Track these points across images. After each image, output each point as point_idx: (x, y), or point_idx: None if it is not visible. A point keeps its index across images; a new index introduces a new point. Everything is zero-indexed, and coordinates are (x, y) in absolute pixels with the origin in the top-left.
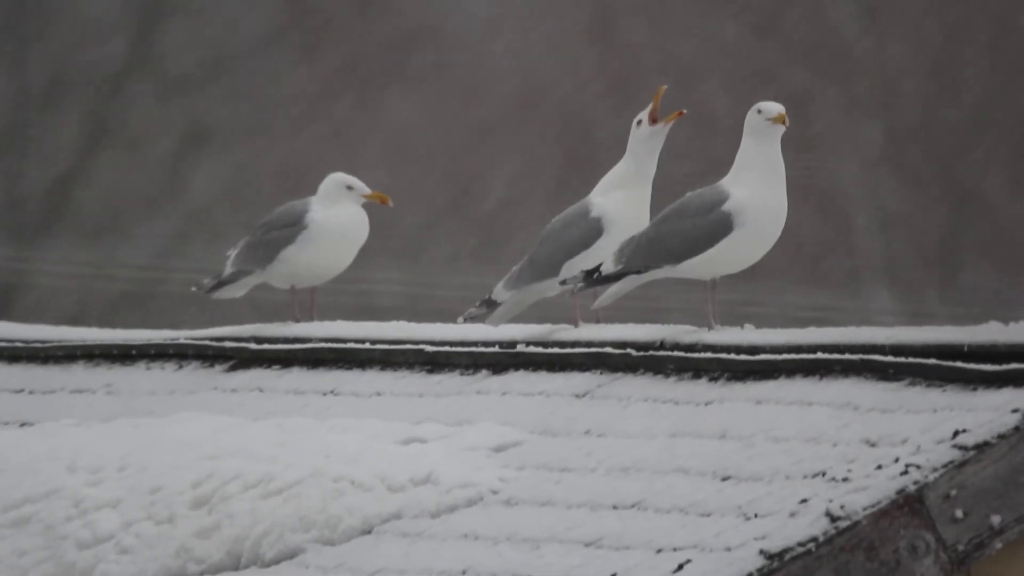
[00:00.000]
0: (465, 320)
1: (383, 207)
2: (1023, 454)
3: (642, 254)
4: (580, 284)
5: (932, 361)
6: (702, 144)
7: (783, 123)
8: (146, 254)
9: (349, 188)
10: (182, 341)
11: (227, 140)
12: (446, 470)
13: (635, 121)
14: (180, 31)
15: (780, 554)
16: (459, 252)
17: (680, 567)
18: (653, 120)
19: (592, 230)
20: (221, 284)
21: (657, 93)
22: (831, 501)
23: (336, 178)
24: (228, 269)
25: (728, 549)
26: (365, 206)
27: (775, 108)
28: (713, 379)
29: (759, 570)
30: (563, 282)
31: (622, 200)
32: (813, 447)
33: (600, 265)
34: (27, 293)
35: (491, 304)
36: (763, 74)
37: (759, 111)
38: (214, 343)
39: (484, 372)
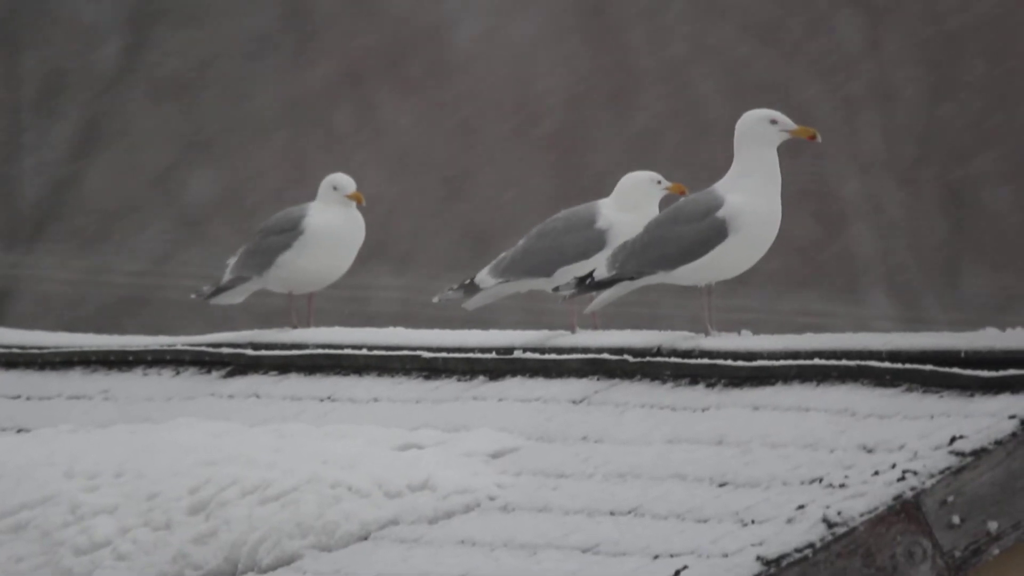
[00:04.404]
0: (440, 300)
1: (381, 211)
2: (1020, 460)
3: (636, 260)
4: (573, 290)
5: (929, 367)
6: (698, 148)
7: (812, 138)
8: (142, 260)
9: (335, 188)
10: (179, 347)
11: (223, 145)
12: (443, 476)
13: (655, 181)
14: (175, 36)
15: (777, 560)
16: (456, 258)
17: (677, 573)
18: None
19: (595, 241)
20: (220, 291)
21: (680, 187)
22: (828, 507)
23: (327, 179)
24: (227, 276)
25: (725, 555)
26: (362, 209)
27: (788, 119)
28: (710, 385)
29: None
30: (556, 288)
31: (630, 214)
32: (810, 453)
33: (593, 271)
34: (23, 299)
35: (471, 288)
36: (761, 78)
37: (773, 121)
38: (211, 349)
39: (481, 378)
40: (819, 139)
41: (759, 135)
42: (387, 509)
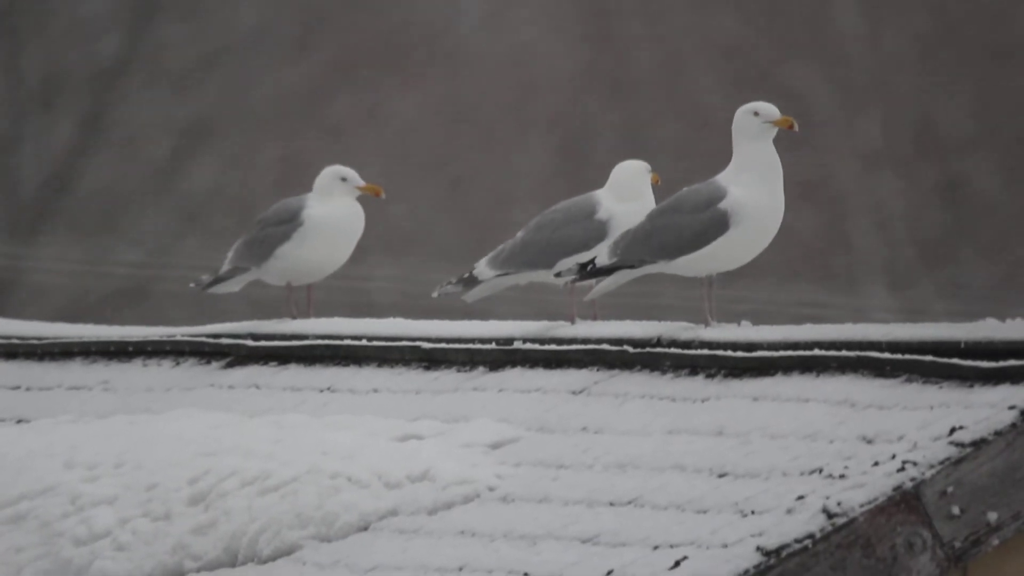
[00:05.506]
0: (439, 295)
1: (379, 201)
2: (1020, 451)
3: (637, 248)
4: (574, 277)
5: (929, 358)
6: (698, 139)
7: (790, 127)
8: (142, 250)
9: (343, 180)
10: (179, 338)
11: (222, 136)
12: (443, 467)
13: (648, 171)
14: (174, 28)
15: (777, 551)
16: (456, 249)
17: (677, 564)
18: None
19: (596, 231)
20: (218, 280)
21: (654, 177)
22: (828, 498)
23: (331, 170)
24: (225, 266)
25: (725, 546)
26: (360, 200)
27: (773, 110)
28: (710, 376)
29: (756, 567)
30: (557, 274)
31: (629, 204)
32: (810, 444)
33: (594, 258)
34: (22, 289)
35: (471, 281)
36: (760, 70)
37: (755, 113)
38: (211, 340)
39: (481, 369)
40: (796, 128)
41: (747, 129)
42: (387, 500)
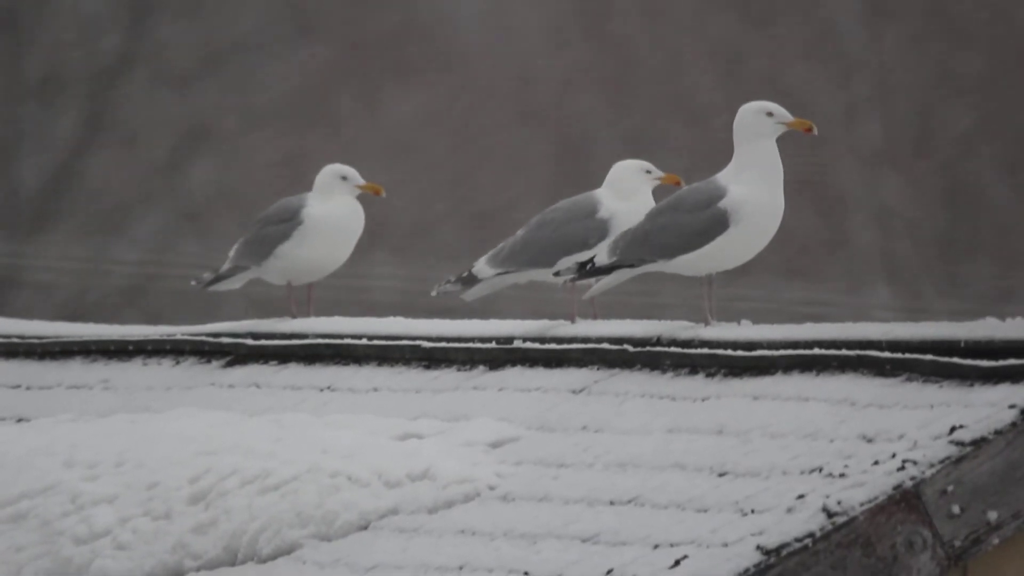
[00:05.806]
0: (438, 294)
1: (380, 201)
2: (1020, 450)
3: (636, 248)
4: (573, 275)
5: (929, 357)
6: (697, 139)
7: (808, 130)
8: (142, 249)
9: (343, 179)
10: (179, 337)
11: (223, 135)
12: (443, 466)
13: (645, 170)
14: (176, 26)
15: (777, 550)
16: (456, 248)
17: (677, 563)
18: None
19: (597, 230)
20: (218, 279)
21: (673, 177)
22: (828, 497)
23: (331, 169)
24: (226, 265)
25: (725, 545)
26: (361, 199)
27: (786, 111)
28: (710, 375)
29: (756, 565)
30: (556, 273)
31: (628, 202)
32: (810, 443)
33: (594, 257)
34: (23, 288)
35: (470, 280)
36: (762, 69)
37: (769, 113)
38: (211, 339)
39: (481, 368)
40: (815, 132)
41: (756, 128)
42: (387, 499)
